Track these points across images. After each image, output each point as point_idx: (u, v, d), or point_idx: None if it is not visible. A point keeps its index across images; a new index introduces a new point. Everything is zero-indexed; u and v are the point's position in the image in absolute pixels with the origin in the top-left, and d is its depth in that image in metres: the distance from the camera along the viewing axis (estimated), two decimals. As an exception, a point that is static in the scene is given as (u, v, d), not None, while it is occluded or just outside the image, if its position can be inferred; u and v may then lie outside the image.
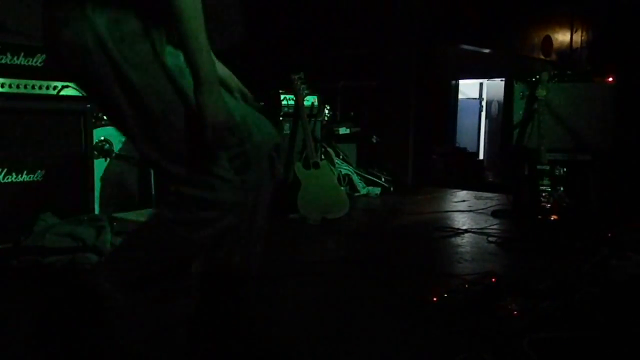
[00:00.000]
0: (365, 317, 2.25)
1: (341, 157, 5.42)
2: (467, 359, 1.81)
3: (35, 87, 3.02)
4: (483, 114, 8.76)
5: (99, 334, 1.62)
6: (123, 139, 3.57)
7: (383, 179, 5.72)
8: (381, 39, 6.11)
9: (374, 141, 5.97)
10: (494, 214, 4.52)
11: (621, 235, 3.22)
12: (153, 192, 3.83)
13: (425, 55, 6.25)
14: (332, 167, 4.76)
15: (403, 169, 6.20)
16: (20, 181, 2.98)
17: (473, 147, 8.36)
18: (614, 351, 1.91)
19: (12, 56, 2.94)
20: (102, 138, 3.54)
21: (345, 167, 5.39)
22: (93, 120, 3.33)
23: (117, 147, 3.63)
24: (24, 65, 2.98)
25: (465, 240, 3.64)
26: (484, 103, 8.77)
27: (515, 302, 2.21)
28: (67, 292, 1.62)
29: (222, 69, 1.80)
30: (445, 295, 2.32)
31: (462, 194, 5.76)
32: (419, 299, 2.35)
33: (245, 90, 1.87)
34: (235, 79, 1.79)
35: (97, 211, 3.35)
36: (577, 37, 8.13)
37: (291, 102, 4.65)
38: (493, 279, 2.45)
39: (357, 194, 5.40)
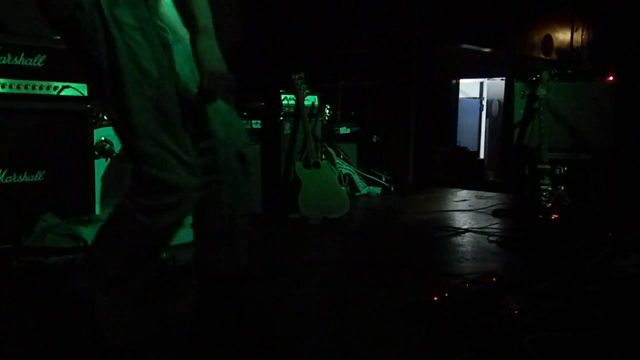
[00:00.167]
0: (366, 316, 2.25)
1: (342, 156, 5.42)
2: (467, 358, 1.81)
3: (36, 87, 3.02)
4: (483, 113, 8.74)
5: (90, 335, 1.62)
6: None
7: (384, 179, 5.72)
8: (381, 38, 6.11)
9: (375, 141, 5.97)
10: (495, 213, 4.52)
11: (622, 234, 3.21)
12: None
13: (425, 55, 6.25)
14: (333, 167, 4.76)
15: (404, 168, 6.20)
16: (21, 182, 2.97)
17: (474, 146, 8.34)
18: (614, 350, 1.91)
19: (13, 57, 2.94)
20: (103, 138, 3.53)
21: (345, 167, 5.38)
22: (93, 120, 3.33)
23: (117, 147, 3.63)
24: (25, 65, 2.98)
25: (466, 239, 3.64)
26: (484, 102, 8.74)
27: (516, 301, 2.20)
28: (57, 295, 1.63)
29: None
30: (446, 294, 2.32)
31: (463, 193, 5.76)
32: (420, 298, 2.34)
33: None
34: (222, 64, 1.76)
35: (97, 211, 3.35)
36: (578, 36, 8.12)
37: (291, 102, 4.65)
38: (494, 279, 2.45)
39: (357, 194, 5.40)
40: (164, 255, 2.75)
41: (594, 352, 1.90)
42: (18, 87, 2.95)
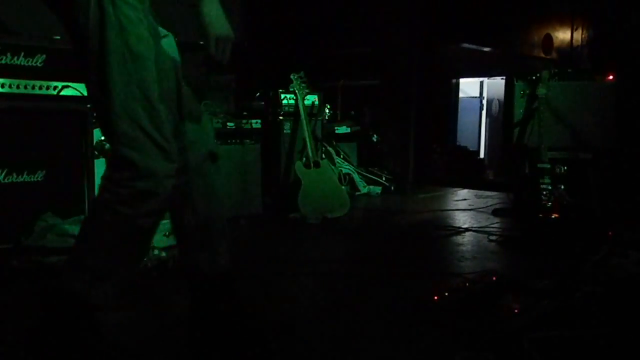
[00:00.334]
0: (366, 315, 2.25)
1: (342, 156, 5.42)
2: (467, 357, 1.81)
3: (36, 87, 3.01)
4: (484, 112, 8.74)
5: (90, 335, 1.62)
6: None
7: (384, 178, 5.71)
8: (381, 38, 6.11)
9: (375, 140, 5.96)
10: (495, 212, 4.52)
11: (622, 233, 3.21)
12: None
13: (425, 54, 6.24)
14: (333, 166, 4.77)
15: (404, 167, 6.19)
16: (21, 181, 2.97)
17: (474, 145, 8.35)
18: (615, 349, 1.91)
19: (13, 56, 2.94)
20: (103, 138, 3.53)
21: (346, 166, 5.38)
22: (93, 120, 3.33)
23: (117, 147, 3.63)
24: (24, 65, 2.98)
25: (466, 238, 3.64)
26: (484, 102, 8.75)
27: (516, 300, 2.20)
28: (53, 296, 1.63)
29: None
30: (446, 293, 2.32)
31: (463, 192, 5.76)
32: (420, 298, 2.34)
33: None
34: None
35: (97, 211, 3.34)
36: (578, 35, 8.12)
37: (291, 102, 4.65)
38: (494, 278, 2.45)
39: (357, 193, 5.40)
40: (164, 255, 2.75)
41: (594, 351, 1.90)
42: (18, 87, 2.95)
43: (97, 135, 3.46)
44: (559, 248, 3.28)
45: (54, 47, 3.04)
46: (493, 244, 3.47)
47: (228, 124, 4.11)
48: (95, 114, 1.63)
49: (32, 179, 3.01)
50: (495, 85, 8.50)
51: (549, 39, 8.03)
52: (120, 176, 1.57)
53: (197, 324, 1.82)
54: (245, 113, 4.48)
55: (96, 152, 3.43)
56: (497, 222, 4.14)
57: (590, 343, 1.93)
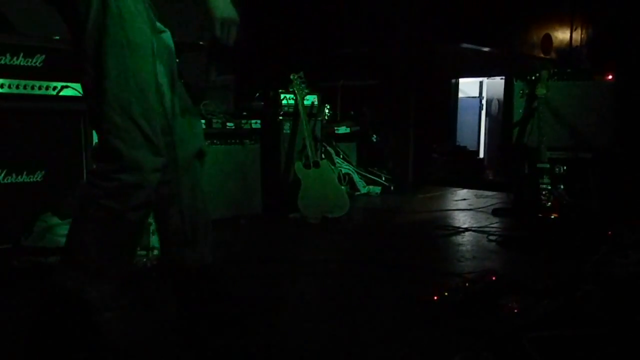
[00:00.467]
0: (366, 315, 2.25)
1: (341, 156, 5.42)
2: (467, 357, 1.81)
3: (35, 87, 3.02)
4: (483, 112, 8.74)
5: (87, 334, 1.62)
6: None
7: (383, 178, 5.72)
8: (381, 38, 6.10)
9: (374, 140, 5.96)
10: (495, 212, 4.52)
11: (621, 233, 3.21)
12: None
13: (425, 54, 6.24)
14: (333, 166, 4.76)
15: (403, 167, 6.19)
16: (20, 182, 2.97)
17: (473, 145, 8.34)
18: (614, 349, 1.91)
19: (12, 57, 2.94)
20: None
21: (345, 166, 5.39)
22: (93, 120, 3.33)
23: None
24: (24, 65, 2.98)
25: (465, 238, 3.64)
26: (484, 101, 8.75)
27: (515, 300, 2.20)
28: (50, 297, 1.63)
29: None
30: (446, 293, 2.32)
31: (463, 192, 5.76)
32: (420, 298, 2.34)
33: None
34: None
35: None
36: (577, 35, 8.12)
37: (291, 102, 4.65)
38: (493, 277, 2.45)
39: (357, 193, 5.40)
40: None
41: (594, 351, 1.90)
42: (17, 87, 2.95)
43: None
44: (559, 248, 3.29)
45: (53, 47, 3.04)
46: (493, 243, 3.47)
47: (228, 124, 4.11)
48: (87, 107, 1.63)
49: (31, 179, 3.01)
50: (494, 85, 8.49)
51: (548, 38, 8.03)
52: (106, 168, 1.57)
53: (200, 323, 1.82)
54: (245, 113, 4.48)
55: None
56: (496, 222, 4.15)
57: (590, 343, 1.93)
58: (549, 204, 4.06)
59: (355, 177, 5.48)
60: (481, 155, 8.46)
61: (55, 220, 2.99)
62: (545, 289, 2.35)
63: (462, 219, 4.30)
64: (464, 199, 5.30)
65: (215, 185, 3.93)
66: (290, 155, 4.59)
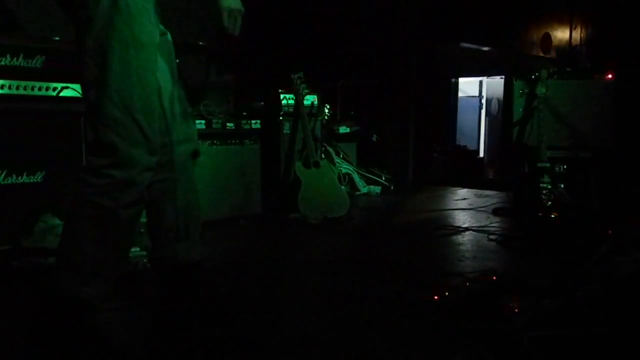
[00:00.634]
0: (366, 315, 2.25)
1: (341, 156, 5.42)
2: (467, 357, 1.81)
3: (35, 88, 3.02)
4: (483, 111, 8.74)
5: (87, 335, 1.62)
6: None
7: (383, 178, 5.72)
8: (381, 37, 6.11)
9: (374, 140, 5.97)
10: (495, 211, 4.52)
11: (622, 232, 3.21)
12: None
13: (424, 54, 6.24)
14: (333, 166, 4.76)
15: (403, 167, 6.20)
16: (21, 182, 2.98)
17: (473, 145, 8.34)
18: (615, 348, 1.91)
19: (12, 58, 2.94)
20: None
21: (345, 166, 5.39)
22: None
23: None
24: (24, 66, 2.98)
25: (466, 238, 3.64)
26: (483, 101, 8.74)
27: (516, 299, 2.20)
28: (48, 297, 1.63)
29: None
30: (446, 293, 2.32)
31: (463, 192, 5.76)
32: (420, 297, 2.34)
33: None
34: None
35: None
36: (577, 35, 8.12)
37: (291, 102, 4.65)
38: (494, 277, 2.45)
39: (357, 193, 5.40)
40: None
41: (594, 350, 1.90)
42: (17, 88, 2.95)
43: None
44: (559, 247, 3.29)
45: (53, 48, 3.04)
46: (493, 243, 3.47)
47: (228, 124, 4.11)
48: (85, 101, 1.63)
49: (31, 180, 3.02)
50: (494, 85, 8.49)
51: (547, 38, 8.03)
52: (98, 163, 1.57)
53: (200, 323, 1.83)
54: (244, 113, 4.49)
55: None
56: (497, 222, 4.15)
57: (590, 343, 1.93)
58: (549, 203, 4.06)
59: (356, 177, 5.48)
60: (481, 154, 8.46)
61: (56, 220, 2.99)
62: (545, 289, 2.35)
63: (462, 219, 4.30)
64: (464, 199, 5.30)
65: (215, 185, 3.93)
66: (290, 155, 4.59)
